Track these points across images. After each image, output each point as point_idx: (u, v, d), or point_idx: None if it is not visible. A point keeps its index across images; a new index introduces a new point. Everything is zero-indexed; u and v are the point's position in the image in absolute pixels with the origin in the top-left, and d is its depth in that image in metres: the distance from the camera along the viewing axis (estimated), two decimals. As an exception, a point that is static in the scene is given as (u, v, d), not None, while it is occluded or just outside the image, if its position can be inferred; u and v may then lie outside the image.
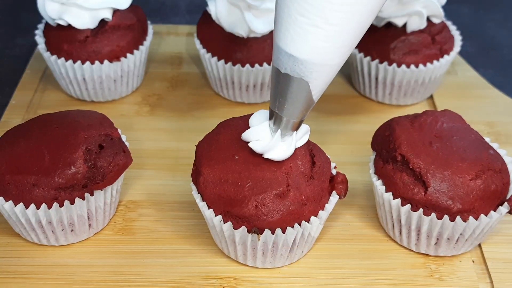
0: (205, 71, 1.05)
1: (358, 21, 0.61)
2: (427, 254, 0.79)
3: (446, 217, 0.73)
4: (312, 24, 0.61)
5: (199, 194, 0.74)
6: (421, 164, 0.74)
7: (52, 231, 0.76)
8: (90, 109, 0.86)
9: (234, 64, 0.97)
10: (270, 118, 0.70)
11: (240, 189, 0.70)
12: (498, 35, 1.26)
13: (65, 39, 0.96)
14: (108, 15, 0.95)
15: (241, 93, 1.02)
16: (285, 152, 0.70)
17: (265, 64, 0.97)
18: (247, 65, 0.97)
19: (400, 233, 0.78)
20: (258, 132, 0.70)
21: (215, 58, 0.98)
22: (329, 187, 0.75)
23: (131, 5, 1.00)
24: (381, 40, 0.98)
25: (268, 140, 0.70)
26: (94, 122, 0.79)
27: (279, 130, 0.69)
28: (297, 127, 0.70)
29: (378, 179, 0.78)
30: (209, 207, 0.73)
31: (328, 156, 0.78)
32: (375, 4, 0.60)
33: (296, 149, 0.72)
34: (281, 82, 0.66)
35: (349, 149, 0.94)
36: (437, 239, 0.76)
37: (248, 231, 0.71)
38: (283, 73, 0.65)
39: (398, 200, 0.75)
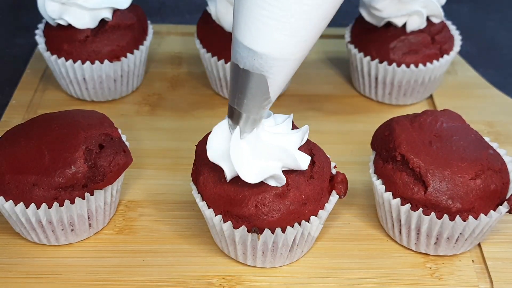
0: (205, 71, 1.05)
1: (323, 14, 0.59)
2: (426, 254, 0.79)
3: (445, 216, 0.73)
4: (273, 18, 0.59)
5: (199, 194, 0.74)
6: (420, 164, 0.74)
7: (52, 231, 0.76)
8: (90, 108, 0.86)
9: (234, 64, 0.97)
10: (229, 115, 0.68)
11: (240, 189, 0.70)
12: (498, 35, 1.26)
13: (65, 39, 0.96)
14: (108, 15, 0.95)
15: (241, 93, 1.02)
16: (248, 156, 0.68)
17: (265, 64, 0.97)
18: (247, 65, 0.97)
19: (400, 232, 0.78)
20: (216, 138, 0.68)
21: (215, 58, 0.98)
22: (329, 187, 0.75)
23: (131, 5, 1.00)
24: (380, 40, 0.98)
25: (227, 139, 0.68)
26: (94, 122, 0.79)
27: (238, 126, 0.67)
28: (257, 124, 0.68)
29: (377, 179, 0.78)
30: (209, 207, 0.73)
31: (328, 156, 0.78)
32: None
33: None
34: (240, 78, 0.64)
35: (349, 149, 0.94)
36: (437, 238, 0.76)
37: (248, 231, 0.71)
38: (242, 69, 0.63)
39: (398, 200, 0.75)
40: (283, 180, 0.69)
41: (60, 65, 0.97)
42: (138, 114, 1.01)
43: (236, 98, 0.66)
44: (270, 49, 0.60)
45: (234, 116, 0.67)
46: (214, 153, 0.69)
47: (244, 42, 0.61)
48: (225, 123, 0.69)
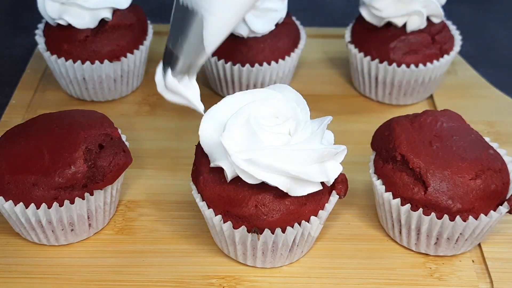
0: (205, 71, 1.05)
1: None
2: (427, 254, 0.79)
3: (446, 216, 0.73)
4: None
5: (199, 194, 0.74)
6: (421, 164, 0.74)
7: (52, 231, 0.76)
8: (90, 108, 0.86)
9: (234, 64, 0.97)
10: (164, 57, 0.69)
11: (240, 189, 0.70)
12: (498, 35, 1.26)
13: (65, 39, 0.96)
14: (108, 14, 0.95)
15: (241, 93, 1.02)
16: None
17: (265, 64, 0.97)
18: (247, 65, 0.97)
19: (400, 232, 0.78)
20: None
21: (215, 58, 0.98)
22: (329, 187, 0.75)
23: (131, 5, 1.00)
24: (381, 39, 0.98)
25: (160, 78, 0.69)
26: (94, 122, 0.79)
27: (170, 68, 0.68)
28: (186, 70, 0.68)
29: (378, 179, 0.78)
30: (209, 207, 0.73)
31: (328, 156, 0.77)
32: None
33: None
34: (178, 15, 0.65)
35: (349, 149, 0.94)
36: (437, 238, 0.76)
37: (248, 231, 0.71)
38: (181, 5, 0.64)
39: (398, 200, 0.75)
40: None
41: (60, 65, 0.97)
42: (138, 114, 1.01)
43: (171, 36, 0.67)
44: None
45: (166, 56, 0.68)
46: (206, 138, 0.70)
47: None
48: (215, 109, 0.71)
